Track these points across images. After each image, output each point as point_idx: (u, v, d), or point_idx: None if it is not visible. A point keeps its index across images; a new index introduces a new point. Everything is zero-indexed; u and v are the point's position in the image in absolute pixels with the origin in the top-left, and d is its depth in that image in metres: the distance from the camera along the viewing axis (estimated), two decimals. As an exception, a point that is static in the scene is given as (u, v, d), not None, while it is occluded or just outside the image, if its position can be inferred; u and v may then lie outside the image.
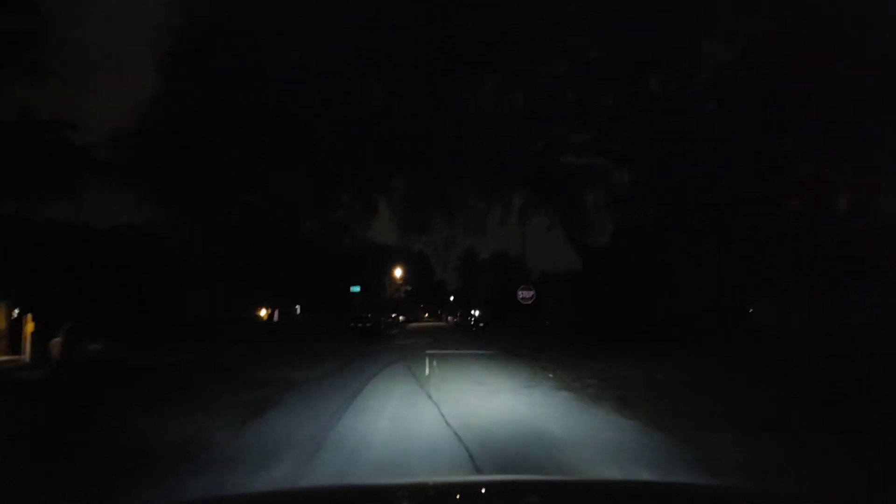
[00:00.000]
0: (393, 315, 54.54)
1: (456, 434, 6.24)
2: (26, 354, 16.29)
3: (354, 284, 31.59)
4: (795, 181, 15.07)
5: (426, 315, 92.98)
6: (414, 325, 62.47)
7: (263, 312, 39.13)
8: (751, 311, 17.83)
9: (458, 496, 1.92)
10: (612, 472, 4.83)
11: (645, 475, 4.67)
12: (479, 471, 4.88)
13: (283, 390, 9.85)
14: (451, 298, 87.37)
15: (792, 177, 15.09)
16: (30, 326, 16.38)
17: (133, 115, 14.79)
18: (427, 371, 12.71)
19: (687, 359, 13.68)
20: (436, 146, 21.64)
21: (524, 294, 19.20)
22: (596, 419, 7.19)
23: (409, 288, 73.55)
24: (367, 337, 30.18)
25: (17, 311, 17.51)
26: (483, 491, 2.00)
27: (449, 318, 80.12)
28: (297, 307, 43.51)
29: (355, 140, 20.14)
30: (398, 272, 69.73)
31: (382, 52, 19.04)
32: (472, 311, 45.72)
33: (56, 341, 13.51)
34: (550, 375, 12.00)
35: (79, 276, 15.68)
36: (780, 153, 14.77)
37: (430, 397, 8.80)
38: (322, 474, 4.74)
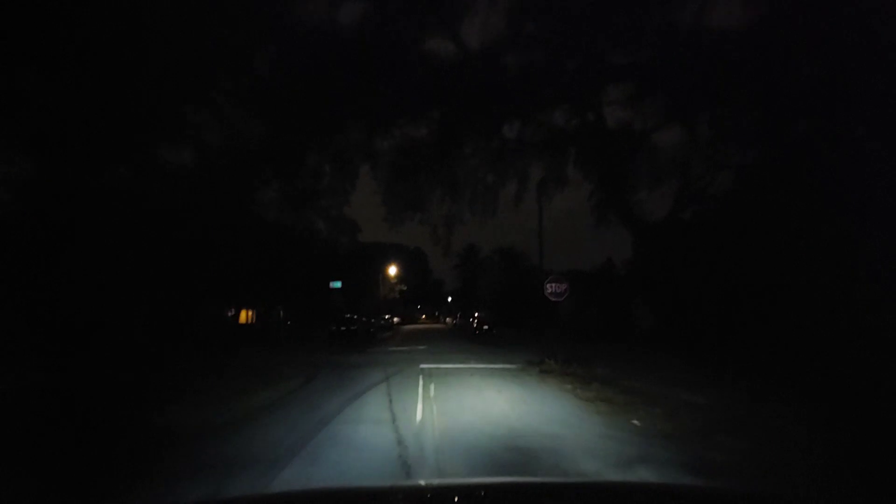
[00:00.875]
0: (386, 317, 49.24)
1: None
2: None
3: (336, 280, 26.31)
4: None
5: (423, 317, 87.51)
6: (409, 327, 57.09)
7: (241, 315, 34.11)
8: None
9: (455, 498, 1.83)
10: None
11: None
12: None
13: (118, 474, 4.68)
14: (450, 299, 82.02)
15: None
16: None
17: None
18: (419, 412, 7.49)
19: (838, 390, 8.52)
20: (432, 96, 16.51)
21: (555, 288, 14.05)
22: None
23: (404, 287, 68.26)
24: (350, 343, 24.99)
25: None
26: (482, 493, 1.95)
27: (447, 319, 74.68)
28: (281, 309, 38.39)
29: (327, 84, 14.96)
30: (392, 270, 64.57)
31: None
32: (476, 313, 40.49)
33: None
34: (636, 423, 6.83)
35: None
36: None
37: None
38: None
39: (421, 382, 10.33)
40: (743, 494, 2.13)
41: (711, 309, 13.54)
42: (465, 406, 7.94)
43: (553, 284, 14.19)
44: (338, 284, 26.18)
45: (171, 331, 16.40)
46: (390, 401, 8.32)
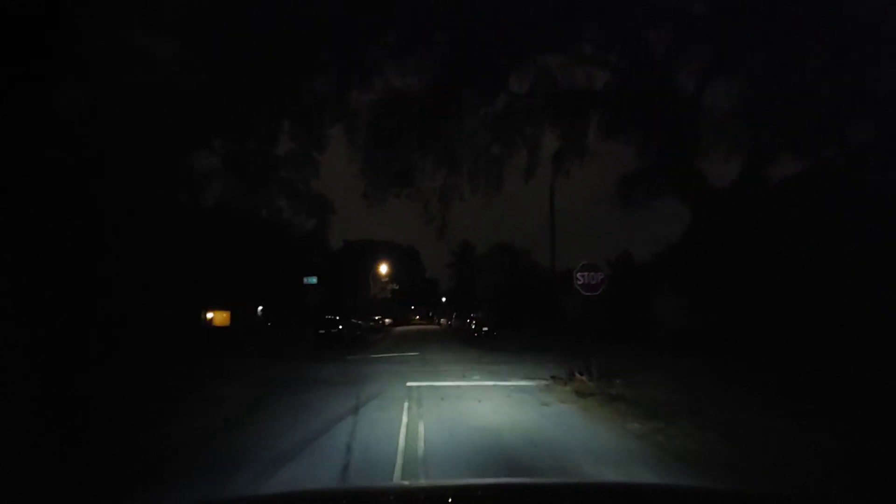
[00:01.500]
0: (376, 318, 45.60)
1: None
2: None
3: (311, 276, 22.51)
4: None
5: (416, 317, 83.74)
6: (401, 328, 53.42)
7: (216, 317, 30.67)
8: None
9: (450, 499, 1.78)
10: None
11: None
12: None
13: None
14: (444, 299, 78.40)
15: None
16: None
17: None
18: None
19: None
20: (424, 34, 12.98)
21: (588, 278, 10.49)
22: None
23: (396, 287, 64.50)
24: (333, 347, 21.52)
25: None
26: (479, 494, 1.91)
27: (442, 320, 71.10)
28: (258, 309, 34.84)
29: (283, 16, 11.36)
30: (384, 268, 60.91)
31: None
32: (474, 313, 36.96)
33: None
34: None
35: None
36: None
37: None
38: None
39: (405, 420, 6.68)
40: (742, 494, 2.05)
41: (796, 306, 10.02)
42: (478, 460, 4.32)
43: (585, 274, 10.60)
44: (313, 280, 22.47)
45: (110, 339, 12.67)
46: (345, 469, 4.69)
